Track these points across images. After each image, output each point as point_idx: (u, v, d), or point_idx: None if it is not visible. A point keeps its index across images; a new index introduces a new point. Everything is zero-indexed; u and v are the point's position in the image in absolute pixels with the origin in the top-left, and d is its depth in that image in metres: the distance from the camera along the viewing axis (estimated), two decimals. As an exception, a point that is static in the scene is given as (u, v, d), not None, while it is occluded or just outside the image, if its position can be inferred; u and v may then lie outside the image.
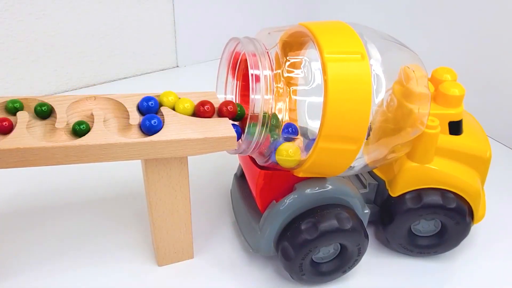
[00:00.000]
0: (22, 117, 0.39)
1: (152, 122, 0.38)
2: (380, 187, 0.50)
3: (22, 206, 0.56)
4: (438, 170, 0.46)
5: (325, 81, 0.38)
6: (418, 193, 0.47)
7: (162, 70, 0.90)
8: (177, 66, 0.91)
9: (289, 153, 0.41)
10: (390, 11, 0.82)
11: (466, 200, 0.47)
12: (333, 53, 0.38)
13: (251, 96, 0.39)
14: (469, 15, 0.70)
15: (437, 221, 0.49)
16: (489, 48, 0.69)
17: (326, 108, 0.38)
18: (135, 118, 0.40)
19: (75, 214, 0.55)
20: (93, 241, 0.51)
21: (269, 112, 0.39)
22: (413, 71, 0.44)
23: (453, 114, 0.47)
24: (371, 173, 0.51)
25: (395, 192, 0.48)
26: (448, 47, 0.74)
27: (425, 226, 0.49)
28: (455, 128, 0.47)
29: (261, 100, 0.39)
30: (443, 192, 0.47)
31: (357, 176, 0.52)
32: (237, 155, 0.50)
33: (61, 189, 0.58)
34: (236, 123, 0.44)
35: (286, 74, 0.40)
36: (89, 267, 0.49)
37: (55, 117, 0.40)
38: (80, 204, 0.56)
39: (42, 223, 0.53)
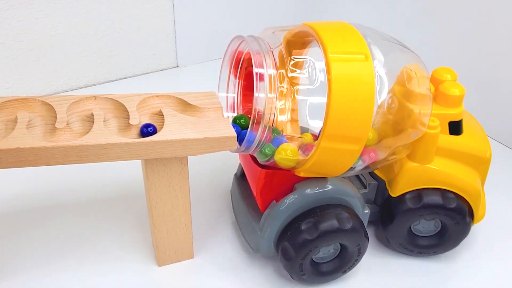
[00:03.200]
0: (22, 117, 0.39)
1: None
2: (380, 187, 0.50)
3: (22, 206, 0.56)
4: (438, 170, 0.46)
5: (329, 80, 0.37)
6: (418, 193, 0.47)
7: (162, 70, 0.90)
8: (177, 66, 0.91)
9: (287, 153, 0.41)
10: (391, 11, 0.82)
11: (466, 200, 0.47)
12: (337, 53, 0.38)
13: (255, 94, 0.39)
14: (469, 15, 0.70)
15: (437, 221, 0.49)
16: (489, 48, 0.69)
17: (329, 108, 0.38)
18: (135, 118, 0.40)
19: (75, 214, 0.55)
20: (93, 241, 0.51)
21: (273, 113, 0.39)
22: (415, 72, 0.44)
23: (453, 114, 0.46)
24: (371, 173, 0.51)
25: (395, 192, 0.48)
26: (448, 47, 0.75)
27: (425, 226, 0.49)
28: (455, 128, 0.47)
29: (264, 98, 0.39)
30: (443, 192, 0.47)
31: (357, 176, 0.52)
32: (237, 154, 0.50)
33: (61, 189, 0.58)
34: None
35: (290, 74, 0.40)
36: (89, 266, 0.49)
37: (55, 117, 0.39)
38: (81, 204, 0.56)
39: (42, 223, 0.53)
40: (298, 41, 0.44)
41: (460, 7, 0.71)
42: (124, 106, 0.41)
